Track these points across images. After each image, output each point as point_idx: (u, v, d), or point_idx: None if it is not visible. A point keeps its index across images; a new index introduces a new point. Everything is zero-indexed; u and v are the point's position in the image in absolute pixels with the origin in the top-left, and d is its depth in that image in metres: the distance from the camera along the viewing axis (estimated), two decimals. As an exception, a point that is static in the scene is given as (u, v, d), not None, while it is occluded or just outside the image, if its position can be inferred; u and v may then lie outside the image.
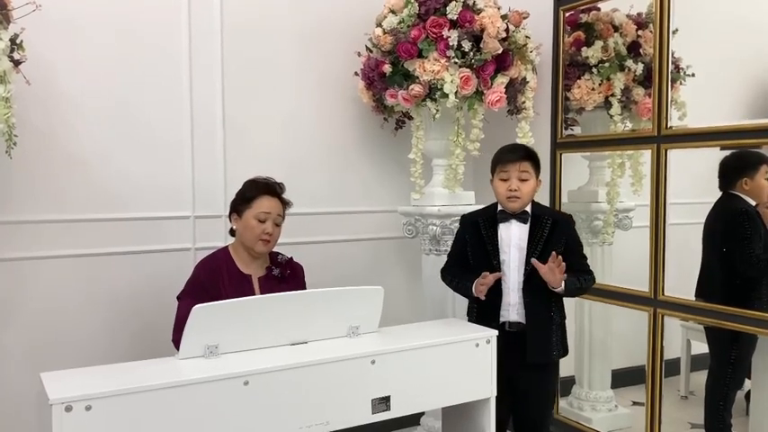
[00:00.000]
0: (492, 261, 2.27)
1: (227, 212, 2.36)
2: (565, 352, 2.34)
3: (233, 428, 1.70)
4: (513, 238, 2.28)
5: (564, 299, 2.33)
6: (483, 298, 2.23)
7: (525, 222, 2.29)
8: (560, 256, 2.16)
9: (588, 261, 2.36)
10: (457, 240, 2.45)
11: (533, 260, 2.19)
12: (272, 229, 2.24)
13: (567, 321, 2.35)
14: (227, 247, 2.35)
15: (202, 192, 2.79)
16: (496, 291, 2.26)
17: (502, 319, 2.27)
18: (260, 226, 2.23)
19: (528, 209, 2.31)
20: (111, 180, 2.65)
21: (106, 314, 2.65)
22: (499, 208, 2.34)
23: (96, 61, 2.60)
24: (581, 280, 2.25)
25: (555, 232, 2.26)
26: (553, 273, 2.15)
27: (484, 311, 2.31)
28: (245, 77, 2.92)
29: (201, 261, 2.29)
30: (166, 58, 2.75)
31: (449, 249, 2.56)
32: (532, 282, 2.23)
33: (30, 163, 2.47)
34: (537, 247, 2.24)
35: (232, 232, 2.36)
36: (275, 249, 2.35)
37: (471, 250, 2.34)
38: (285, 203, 2.34)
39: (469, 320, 2.38)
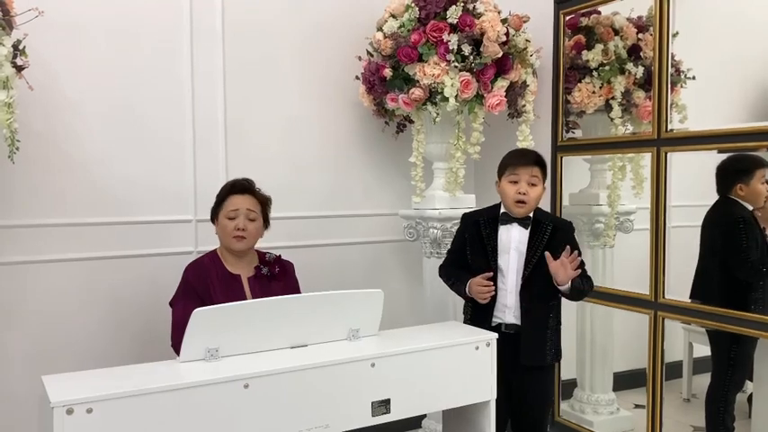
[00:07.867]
0: (490, 262, 2.28)
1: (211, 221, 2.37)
2: (559, 356, 2.36)
3: (233, 431, 1.71)
4: (512, 242, 2.29)
5: (562, 304, 2.33)
6: (485, 301, 2.24)
7: (526, 227, 2.29)
8: (576, 252, 2.15)
9: (589, 264, 2.37)
10: (457, 238, 2.46)
11: (547, 253, 2.18)
12: (243, 225, 2.25)
13: (566, 325, 2.36)
14: (214, 250, 2.36)
15: (204, 195, 2.79)
16: None
17: (498, 321, 2.28)
18: (231, 223, 2.25)
19: (530, 213, 2.31)
20: (112, 183, 2.67)
21: (108, 317, 2.66)
22: (502, 210, 2.34)
23: (98, 65, 2.62)
24: (584, 283, 2.26)
25: (555, 238, 2.27)
26: (565, 268, 2.14)
27: (477, 312, 2.34)
28: (246, 81, 2.93)
29: (189, 265, 2.31)
30: (168, 62, 2.77)
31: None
32: (530, 285, 2.23)
33: (32, 167, 2.49)
34: (536, 252, 2.25)
35: None
36: (264, 249, 2.37)
37: (470, 250, 2.35)
38: (259, 199, 2.34)
39: (464, 320, 2.40)
